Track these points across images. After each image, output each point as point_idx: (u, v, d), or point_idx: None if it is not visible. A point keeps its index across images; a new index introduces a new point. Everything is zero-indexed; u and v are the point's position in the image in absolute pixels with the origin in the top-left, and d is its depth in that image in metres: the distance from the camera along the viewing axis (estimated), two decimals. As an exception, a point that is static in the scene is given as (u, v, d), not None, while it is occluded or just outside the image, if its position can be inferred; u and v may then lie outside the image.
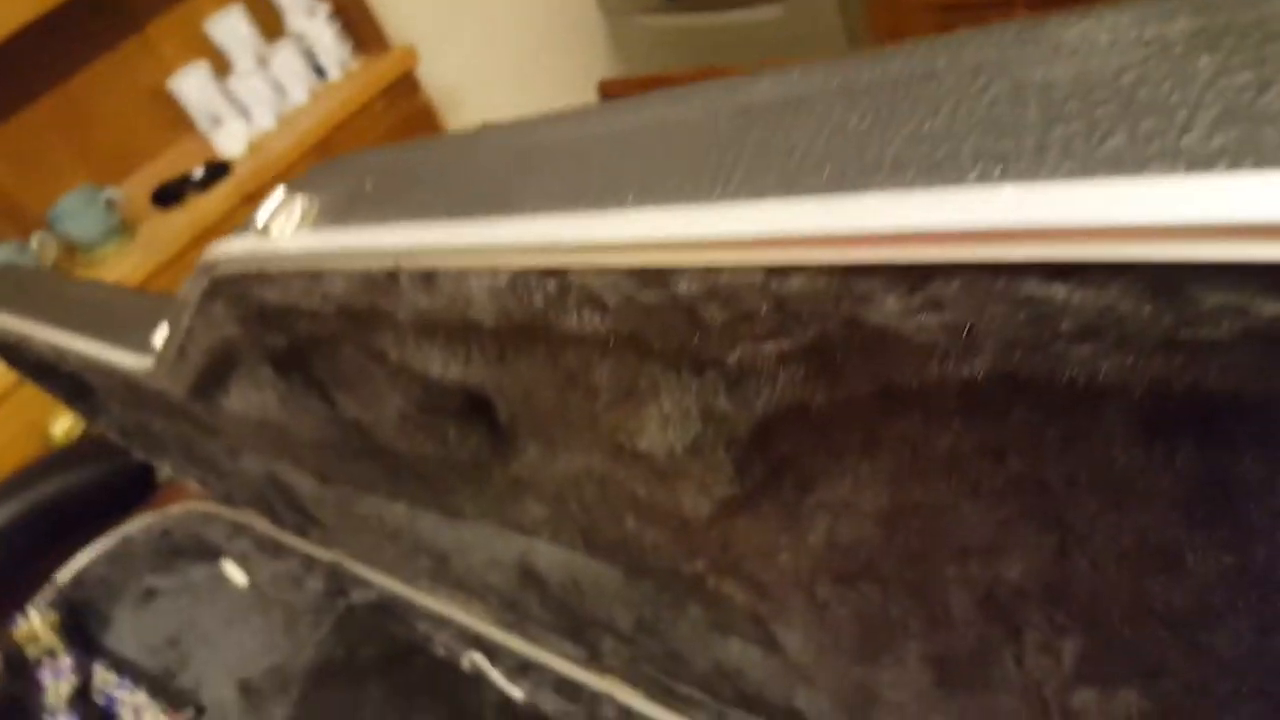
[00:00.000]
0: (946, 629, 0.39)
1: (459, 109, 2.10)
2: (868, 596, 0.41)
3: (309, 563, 0.86)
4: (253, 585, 0.93)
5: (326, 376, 0.50)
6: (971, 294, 0.19)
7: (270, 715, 0.75)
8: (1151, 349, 0.18)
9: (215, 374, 0.56)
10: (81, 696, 0.89)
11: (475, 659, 0.71)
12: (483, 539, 0.64)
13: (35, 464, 1.56)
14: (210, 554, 0.99)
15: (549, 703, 0.66)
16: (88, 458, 1.58)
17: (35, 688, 0.91)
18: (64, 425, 1.68)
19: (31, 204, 1.68)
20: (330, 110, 1.75)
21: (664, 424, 0.33)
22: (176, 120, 1.79)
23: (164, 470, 0.99)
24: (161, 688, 0.87)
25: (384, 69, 1.83)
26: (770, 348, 0.23)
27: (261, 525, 0.92)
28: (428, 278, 0.31)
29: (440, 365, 0.39)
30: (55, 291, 0.82)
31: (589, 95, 2.38)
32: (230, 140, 1.72)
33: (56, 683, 0.90)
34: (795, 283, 0.21)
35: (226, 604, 0.93)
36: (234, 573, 0.97)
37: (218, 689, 0.81)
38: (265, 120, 1.76)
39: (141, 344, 0.63)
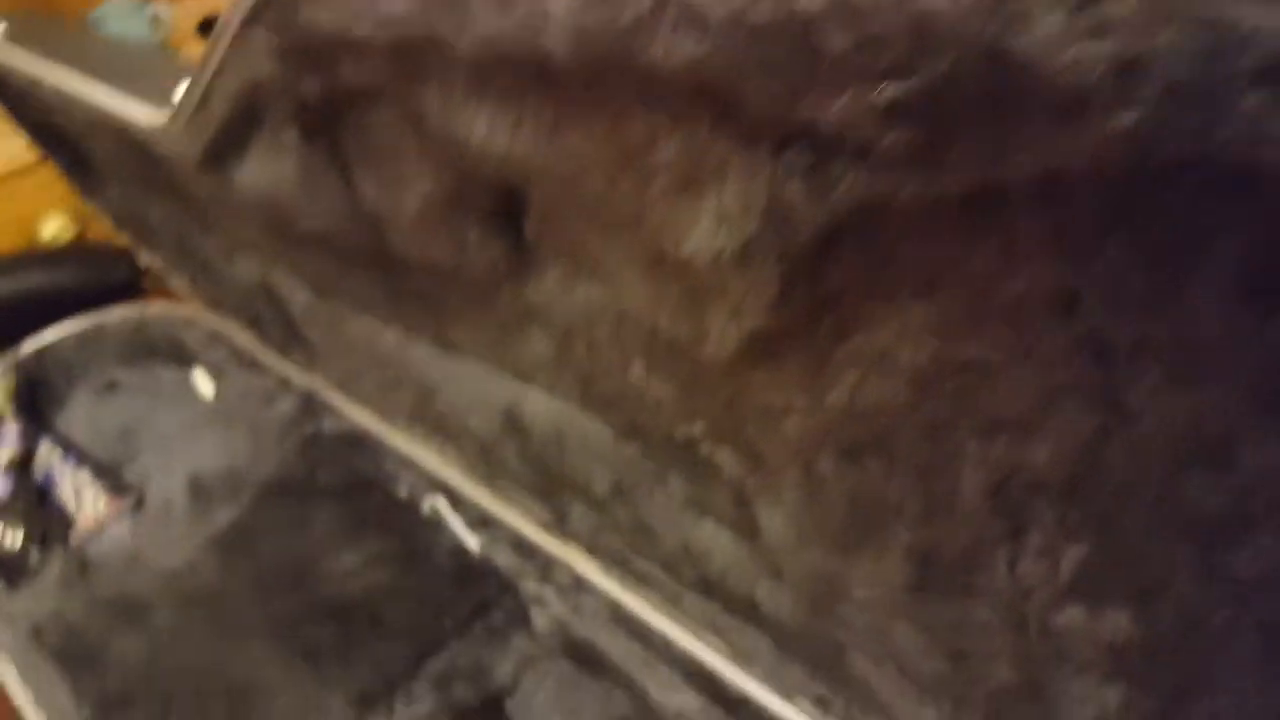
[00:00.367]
0: (944, 520, 0.38)
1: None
2: (870, 474, 0.39)
3: (284, 384, 0.84)
4: (219, 399, 0.91)
5: (352, 151, 0.48)
6: (1148, 14, 0.16)
7: (215, 516, 0.74)
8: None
9: (234, 135, 0.53)
10: (22, 467, 0.87)
11: (437, 504, 0.70)
12: (473, 377, 0.62)
13: (19, 255, 1.52)
14: (182, 359, 0.96)
15: (503, 558, 0.65)
16: (73, 260, 1.55)
17: (-25, 449, 0.89)
18: (54, 227, 1.63)
19: (76, 2, 1.62)
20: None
21: (719, 222, 0.31)
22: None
23: (153, 263, 0.96)
24: (107, 474, 0.85)
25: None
26: (886, 94, 0.21)
27: (242, 339, 0.90)
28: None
29: (485, 131, 0.36)
30: (79, 43, 0.78)
31: None
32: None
33: (-1, 449, 0.88)
34: (943, -3, 0.18)
35: (190, 411, 0.91)
36: (203, 383, 0.94)
37: (165, 484, 0.80)
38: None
39: (160, 98, 0.60)
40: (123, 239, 1.01)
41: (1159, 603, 0.33)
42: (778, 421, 0.41)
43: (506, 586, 0.63)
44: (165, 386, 0.95)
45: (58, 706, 0.63)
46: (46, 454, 0.89)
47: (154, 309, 0.98)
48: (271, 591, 0.66)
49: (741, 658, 0.55)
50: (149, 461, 0.85)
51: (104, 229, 1.63)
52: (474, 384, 0.63)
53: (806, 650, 0.52)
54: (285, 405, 0.82)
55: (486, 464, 0.67)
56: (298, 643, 0.62)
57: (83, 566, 0.74)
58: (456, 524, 0.68)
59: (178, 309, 0.97)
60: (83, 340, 0.96)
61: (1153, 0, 0.16)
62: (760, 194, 0.29)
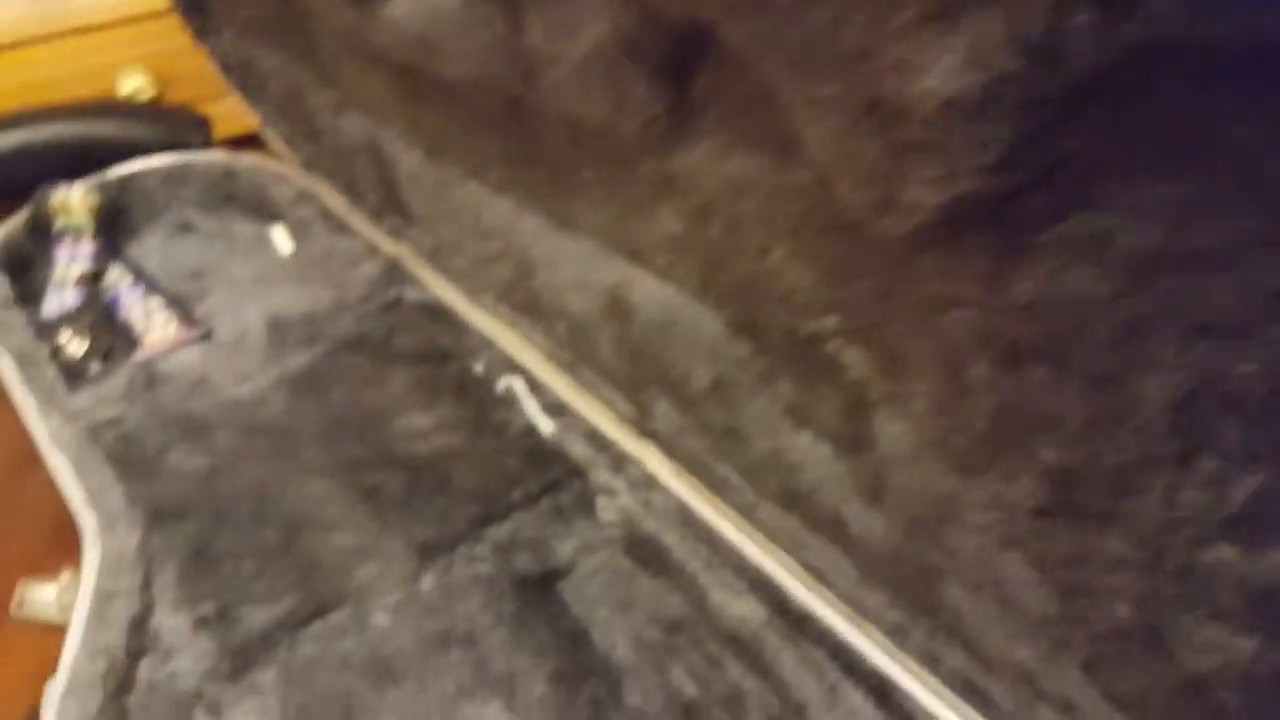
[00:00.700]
0: (1107, 438, 0.36)
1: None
2: (1030, 382, 0.38)
3: (371, 250, 0.83)
4: (299, 257, 0.90)
5: (533, -19, 0.46)
6: None
7: (289, 357, 0.73)
8: None
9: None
10: (93, 284, 0.87)
11: (513, 383, 0.68)
12: (582, 255, 0.61)
13: (97, 101, 1.52)
14: (262, 213, 0.95)
15: (576, 447, 0.64)
16: (149, 116, 1.54)
17: (47, 259, 0.88)
18: (132, 85, 1.62)
19: None
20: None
21: (970, 58, 0.29)
22: None
23: (260, 111, 0.94)
24: (177, 304, 0.85)
25: None
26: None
27: (333, 201, 0.89)
28: None
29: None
30: None
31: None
32: None
33: (70, 262, 0.88)
34: None
35: (264, 263, 0.90)
36: (281, 240, 0.93)
37: (238, 322, 0.79)
38: None
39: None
40: (214, 95, 1.00)
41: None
42: (938, 316, 0.40)
43: (577, 472, 0.62)
44: (239, 237, 0.94)
45: (110, 509, 0.62)
46: (117, 277, 0.89)
47: (246, 160, 0.97)
48: (339, 436, 0.65)
49: (816, 576, 0.54)
50: (218, 303, 0.85)
51: (183, 94, 1.62)
52: (581, 263, 0.62)
53: (894, 575, 0.50)
54: (369, 269, 0.81)
55: (575, 350, 0.66)
56: (362, 486, 0.61)
57: (150, 380, 0.73)
58: (531, 406, 0.67)
59: (269, 163, 0.96)
60: (168, 176, 0.95)
61: None
62: (1038, 22, 0.27)
